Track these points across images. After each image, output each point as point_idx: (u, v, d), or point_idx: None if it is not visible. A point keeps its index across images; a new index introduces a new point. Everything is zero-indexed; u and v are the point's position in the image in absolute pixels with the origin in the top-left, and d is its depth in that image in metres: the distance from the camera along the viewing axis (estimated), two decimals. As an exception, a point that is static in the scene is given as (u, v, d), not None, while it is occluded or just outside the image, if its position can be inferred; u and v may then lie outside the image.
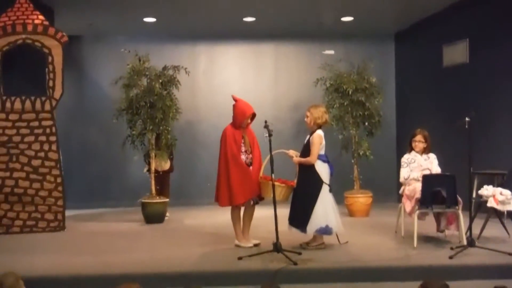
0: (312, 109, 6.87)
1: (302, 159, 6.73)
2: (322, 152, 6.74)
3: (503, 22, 9.31)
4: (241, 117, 6.90)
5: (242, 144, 6.90)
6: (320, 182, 6.64)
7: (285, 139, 11.24)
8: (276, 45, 12.59)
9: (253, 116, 7.03)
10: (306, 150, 6.76)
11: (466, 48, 10.08)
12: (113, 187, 12.05)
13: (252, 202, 6.92)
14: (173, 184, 10.48)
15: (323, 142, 6.73)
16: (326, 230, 6.63)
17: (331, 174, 6.80)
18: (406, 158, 7.38)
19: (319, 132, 6.75)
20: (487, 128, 9.04)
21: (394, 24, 11.87)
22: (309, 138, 6.80)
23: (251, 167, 6.86)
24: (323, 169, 6.70)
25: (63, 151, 9.15)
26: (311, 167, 6.68)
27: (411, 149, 7.41)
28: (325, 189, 6.65)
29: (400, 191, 7.41)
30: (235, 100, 7.02)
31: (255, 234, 7.15)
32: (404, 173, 7.28)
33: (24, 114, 8.49)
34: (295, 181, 6.78)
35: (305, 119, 6.92)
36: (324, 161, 6.74)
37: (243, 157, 6.86)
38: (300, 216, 6.66)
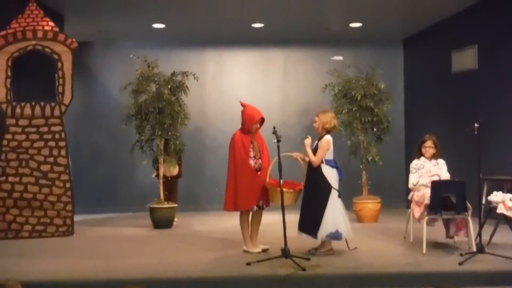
0: (320, 114, 6.88)
1: (310, 155, 6.72)
2: (331, 157, 6.75)
3: (512, 28, 9.29)
4: (250, 122, 6.90)
5: (251, 149, 6.89)
6: (328, 187, 6.64)
7: (293, 144, 11.18)
8: (284, 51, 12.62)
9: (262, 120, 7.02)
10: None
11: (475, 54, 10.06)
12: (122, 192, 12.09)
13: (255, 208, 6.89)
14: (181, 189, 10.50)
15: (331, 147, 6.73)
16: (336, 236, 6.63)
17: (340, 179, 6.79)
18: (415, 164, 7.36)
19: (328, 137, 6.76)
20: (496, 134, 9.01)
21: (403, 30, 11.87)
22: (317, 143, 6.80)
23: (259, 173, 6.86)
24: (331, 175, 6.71)
25: (72, 156, 9.19)
26: (320, 172, 6.68)
27: (420, 155, 7.39)
28: (334, 194, 6.65)
29: (409, 197, 7.39)
30: (243, 105, 7.02)
31: (263, 239, 7.14)
32: (413, 179, 7.27)
33: (34, 120, 8.54)
34: (303, 183, 6.77)
35: (314, 125, 6.93)
36: (332, 167, 6.74)
37: (251, 162, 6.85)
38: (310, 222, 6.65)
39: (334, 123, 6.87)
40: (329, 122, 6.80)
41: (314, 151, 6.77)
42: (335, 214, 6.61)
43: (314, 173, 6.72)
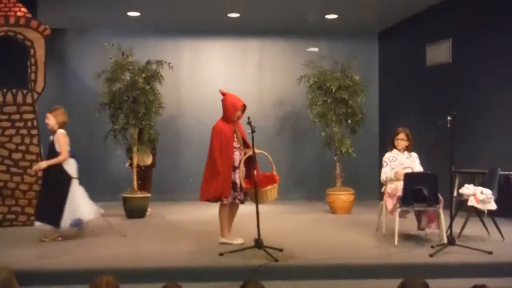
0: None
1: (54, 160, 7.11)
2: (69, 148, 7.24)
3: (486, 22, 9.38)
4: (233, 110, 6.73)
5: (235, 140, 6.72)
6: (68, 178, 7.12)
7: (268, 135, 11.27)
8: (260, 42, 12.59)
9: (244, 107, 6.89)
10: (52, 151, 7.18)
11: (449, 47, 10.15)
12: (95, 182, 11.87)
13: (237, 201, 6.77)
14: (155, 179, 10.44)
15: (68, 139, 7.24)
16: (78, 223, 7.13)
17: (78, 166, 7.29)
18: (387, 156, 7.41)
19: (62, 131, 7.24)
20: (469, 127, 9.10)
21: (378, 22, 11.92)
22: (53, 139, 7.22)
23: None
24: (71, 165, 7.20)
25: (44, 144, 9.05)
26: (59, 166, 7.11)
27: (392, 147, 7.44)
28: (74, 183, 7.13)
29: (382, 189, 7.45)
30: (223, 94, 6.88)
31: (235, 230, 7.13)
32: (384, 172, 7.33)
33: (5, 107, 8.42)
34: (274, 173, 6.73)
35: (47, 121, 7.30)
36: (71, 157, 7.23)
37: (236, 153, 6.69)
38: (51, 212, 7.02)
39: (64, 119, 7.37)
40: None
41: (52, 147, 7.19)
42: (75, 203, 7.06)
43: (52, 166, 7.10)
